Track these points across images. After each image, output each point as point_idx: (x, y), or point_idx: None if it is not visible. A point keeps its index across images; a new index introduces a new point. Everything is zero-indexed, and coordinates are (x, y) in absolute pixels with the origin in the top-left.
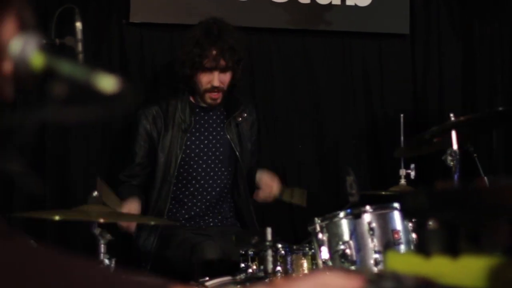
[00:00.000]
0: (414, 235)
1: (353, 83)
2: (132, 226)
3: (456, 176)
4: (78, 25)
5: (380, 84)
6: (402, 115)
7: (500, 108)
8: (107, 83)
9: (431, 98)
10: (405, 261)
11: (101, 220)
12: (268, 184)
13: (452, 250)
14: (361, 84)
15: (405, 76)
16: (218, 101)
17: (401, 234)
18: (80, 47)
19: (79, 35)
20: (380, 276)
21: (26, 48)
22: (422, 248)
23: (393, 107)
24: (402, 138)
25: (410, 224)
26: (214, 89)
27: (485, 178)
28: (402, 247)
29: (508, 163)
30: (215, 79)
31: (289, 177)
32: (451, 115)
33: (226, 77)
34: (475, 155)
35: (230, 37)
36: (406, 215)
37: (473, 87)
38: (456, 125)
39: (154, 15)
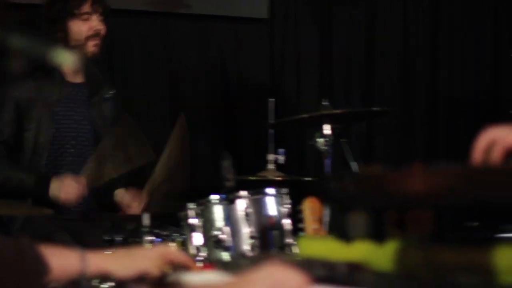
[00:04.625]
0: (289, 221)
1: (212, 67)
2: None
3: (328, 162)
4: None
5: (237, 68)
6: (272, 99)
7: (376, 108)
8: (65, 58)
9: (289, 82)
10: (319, 246)
11: None
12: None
13: (377, 235)
14: (219, 68)
15: (263, 60)
16: (98, 50)
17: (276, 220)
18: None
19: None
20: (310, 263)
21: None
22: (343, 233)
23: (252, 92)
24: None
25: (284, 210)
26: (96, 34)
27: (357, 164)
28: (277, 233)
29: (379, 148)
30: (96, 22)
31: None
32: (324, 100)
33: (103, 27)
34: (343, 140)
35: None
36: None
37: (330, 71)
38: (329, 116)
39: None
